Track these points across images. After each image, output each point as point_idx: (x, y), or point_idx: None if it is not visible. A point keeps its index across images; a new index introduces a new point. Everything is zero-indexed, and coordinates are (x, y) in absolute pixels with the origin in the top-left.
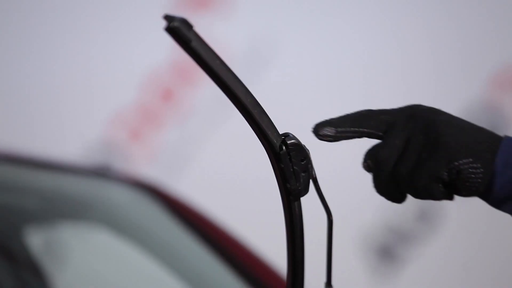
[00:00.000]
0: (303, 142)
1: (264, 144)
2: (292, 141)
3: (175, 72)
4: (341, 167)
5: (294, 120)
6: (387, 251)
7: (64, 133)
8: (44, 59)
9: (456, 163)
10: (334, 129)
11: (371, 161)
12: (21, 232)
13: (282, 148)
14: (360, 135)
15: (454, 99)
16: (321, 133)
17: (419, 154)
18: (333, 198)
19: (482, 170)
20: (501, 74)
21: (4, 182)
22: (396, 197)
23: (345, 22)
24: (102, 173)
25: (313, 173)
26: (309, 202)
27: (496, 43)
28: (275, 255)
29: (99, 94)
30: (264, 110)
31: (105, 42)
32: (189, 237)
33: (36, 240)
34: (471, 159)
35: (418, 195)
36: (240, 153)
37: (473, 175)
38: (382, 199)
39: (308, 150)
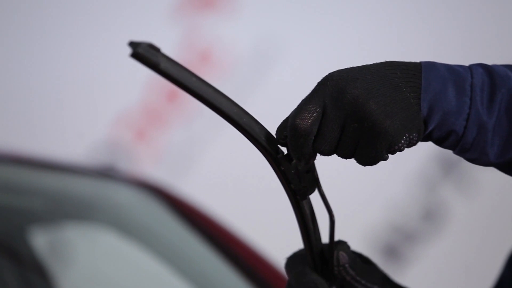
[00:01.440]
0: None
1: (260, 151)
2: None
3: None
4: (344, 167)
5: None
6: (392, 251)
7: (69, 134)
8: (49, 60)
9: (396, 147)
10: (306, 165)
11: (293, 138)
12: (26, 233)
13: (279, 152)
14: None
15: None
16: (306, 170)
17: (358, 141)
18: (337, 197)
19: (417, 136)
20: None
21: (9, 183)
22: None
23: (350, 22)
24: (107, 173)
25: (315, 174)
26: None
27: (498, 41)
28: (280, 255)
29: (104, 95)
30: (253, 118)
31: (110, 43)
32: (193, 237)
33: (41, 240)
34: (407, 134)
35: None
36: (245, 153)
37: (411, 143)
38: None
39: None
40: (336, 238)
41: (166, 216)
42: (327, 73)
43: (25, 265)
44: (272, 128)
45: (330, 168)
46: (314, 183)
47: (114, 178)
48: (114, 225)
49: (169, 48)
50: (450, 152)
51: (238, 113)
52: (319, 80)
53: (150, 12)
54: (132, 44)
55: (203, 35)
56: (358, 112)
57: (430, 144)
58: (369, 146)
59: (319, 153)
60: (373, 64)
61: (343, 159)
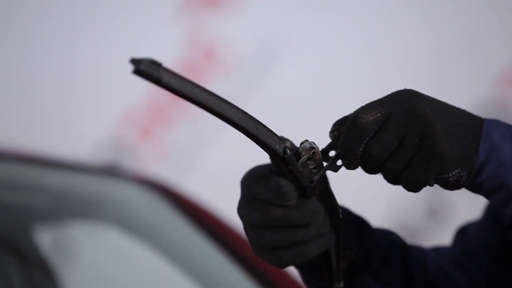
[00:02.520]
0: (313, 139)
1: (268, 152)
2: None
3: (185, 71)
4: None
5: (303, 117)
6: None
7: (73, 132)
8: (53, 58)
9: (446, 175)
10: (358, 161)
11: (345, 133)
12: (31, 231)
13: (287, 152)
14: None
15: (463, 96)
16: (352, 169)
17: (412, 157)
18: (341, 195)
19: (467, 176)
20: (511, 71)
21: (14, 181)
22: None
23: (354, 21)
24: (111, 171)
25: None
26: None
27: (506, 40)
28: None
29: (109, 93)
30: (258, 121)
31: (115, 40)
32: (198, 235)
33: (45, 238)
34: (459, 169)
35: (396, 183)
36: (250, 151)
37: (459, 182)
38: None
39: (317, 148)
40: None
41: (170, 214)
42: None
43: (29, 263)
44: (277, 126)
45: None
46: (323, 178)
47: (119, 176)
48: (118, 223)
49: (173, 46)
50: None
51: (243, 119)
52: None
53: (155, 10)
54: (134, 61)
55: (207, 33)
56: (424, 128)
57: None
58: (422, 165)
59: (368, 156)
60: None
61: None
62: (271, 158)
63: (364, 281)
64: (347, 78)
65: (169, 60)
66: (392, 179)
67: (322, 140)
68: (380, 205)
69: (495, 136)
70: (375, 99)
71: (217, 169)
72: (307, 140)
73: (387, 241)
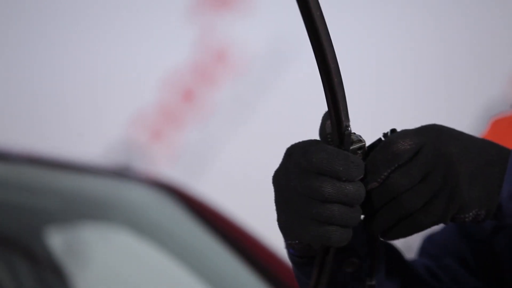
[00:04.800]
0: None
1: (332, 118)
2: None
3: (196, 73)
4: None
5: (314, 118)
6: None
7: (85, 134)
8: (66, 60)
9: (463, 216)
10: (376, 183)
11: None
12: (43, 233)
13: (347, 129)
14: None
15: (473, 97)
16: (368, 190)
17: (433, 196)
18: None
19: (484, 214)
20: None
21: (26, 183)
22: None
23: (364, 21)
24: (122, 173)
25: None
26: None
27: (504, 44)
28: None
29: (120, 95)
30: (342, 82)
31: (127, 42)
32: (209, 237)
33: (57, 240)
34: (477, 209)
35: (407, 223)
36: (260, 153)
37: (476, 219)
38: None
39: (364, 141)
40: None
41: (181, 216)
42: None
43: (41, 265)
44: (287, 127)
45: None
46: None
47: (130, 178)
48: (129, 225)
49: (185, 47)
50: None
51: (335, 70)
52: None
53: (166, 12)
54: None
55: (219, 35)
56: (449, 168)
57: None
58: (441, 204)
59: (390, 183)
60: (477, 137)
61: None
62: (327, 128)
63: None
64: (357, 78)
65: (181, 61)
66: (404, 214)
67: None
68: None
69: None
70: (390, 100)
71: (228, 171)
72: (355, 133)
73: (388, 254)
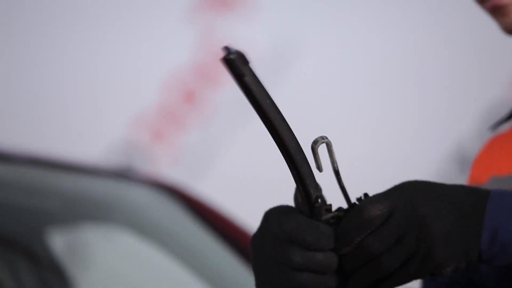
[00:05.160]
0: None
1: (301, 192)
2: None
3: (198, 74)
4: (363, 166)
5: (316, 120)
6: None
7: (86, 134)
8: (66, 60)
9: (441, 271)
10: (349, 248)
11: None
12: (44, 234)
13: (318, 201)
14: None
15: (474, 99)
16: (341, 254)
17: (408, 257)
18: (354, 192)
19: (465, 265)
20: None
21: (27, 184)
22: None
23: (367, 23)
24: (124, 174)
25: (336, 165)
26: (331, 196)
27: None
28: None
29: (121, 95)
30: (305, 158)
31: (128, 43)
32: (211, 238)
33: (59, 241)
34: (455, 264)
35: (385, 283)
36: (262, 154)
37: (456, 271)
38: None
39: (343, 211)
40: None
41: (183, 217)
42: (406, 180)
43: (43, 266)
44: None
45: (347, 162)
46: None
47: (132, 179)
48: (131, 226)
49: (186, 49)
50: (467, 150)
51: (295, 149)
52: (396, 185)
53: (167, 13)
54: (226, 49)
55: (220, 36)
56: (421, 230)
57: (447, 142)
58: (416, 264)
59: (363, 248)
60: (452, 186)
61: (364, 153)
62: (300, 200)
63: None
64: (360, 80)
65: (182, 62)
66: (381, 275)
67: (335, 143)
68: None
69: (499, 216)
70: (391, 103)
71: (230, 173)
72: (326, 203)
73: None
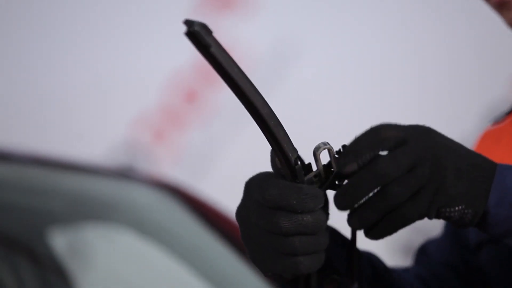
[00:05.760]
0: (328, 140)
1: (279, 157)
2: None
3: (199, 74)
4: None
5: (319, 119)
6: (411, 251)
7: (88, 135)
8: (68, 60)
9: (448, 210)
10: (356, 164)
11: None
12: (46, 234)
13: (297, 162)
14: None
15: (475, 98)
16: (345, 171)
17: (419, 188)
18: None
19: (472, 214)
20: None
21: (29, 184)
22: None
23: (368, 22)
24: (126, 174)
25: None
26: (330, 196)
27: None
28: None
29: (123, 95)
30: (280, 122)
31: (129, 43)
32: (213, 237)
33: (60, 241)
34: (463, 206)
35: (392, 216)
36: (264, 154)
37: (463, 219)
38: None
39: (321, 166)
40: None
41: (185, 217)
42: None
43: (44, 265)
44: (292, 128)
45: None
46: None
47: (133, 178)
48: (133, 225)
49: (187, 48)
50: None
51: (268, 114)
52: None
53: (169, 13)
54: (188, 22)
55: (222, 36)
56: (436, 162)
57: None
58: (427, 196)
59: (374, 166)
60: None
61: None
62: (278, 163)
63: None
64: (362, 80)
65: (184, 62)
66: (391, 206)
67: (335, 143)
68: None
69: (509, 179)
70: (392, 101)
71: (231, 172)
72: (305, 163)
73: (370, 265)
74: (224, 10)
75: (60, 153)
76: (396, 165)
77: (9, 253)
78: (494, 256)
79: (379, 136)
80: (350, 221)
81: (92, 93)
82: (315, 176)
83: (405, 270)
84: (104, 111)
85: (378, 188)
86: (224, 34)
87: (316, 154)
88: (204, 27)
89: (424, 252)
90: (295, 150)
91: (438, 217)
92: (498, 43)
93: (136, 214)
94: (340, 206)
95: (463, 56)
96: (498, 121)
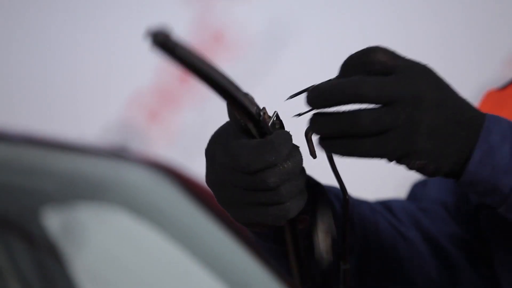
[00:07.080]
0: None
1: (242, 115)
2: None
3: None
4: None
5: None
6: None
7: (81, 115)
8: (62, 41)
9: (407, 161)
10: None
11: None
12: (39, 214)
13: (260, 114)
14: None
15: (470, 80)
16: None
17: (388, 129)
18: (349, 177)
19: (433, 169)
20: None
21: (22, 164)
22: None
23: (365, 4)
24: (119, 154)
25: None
26: (324, 180)
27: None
28: None
29: (117, 76)
30: (228, 78)
31: (124, 23)
32: (206, 218)
33: (53, 221)
34: (426, 162)
35: (352, 143)
36: None
37: (422, 170)
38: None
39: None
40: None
41: (178, 197)
42: (345, 56)
43: (37, 246)
44: (286, 109)
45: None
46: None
47: (127, 158)
48: (126, 205)
49: (182, 29)
50: None
51: (221, 75)
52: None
53: None
54: (152, 34)
55: (216, 16)
56: (414, 111)
57: None
58: (394, 140)
59: (356, 87)
60: (460, 95)
61: None
62: (238, 117)
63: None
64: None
65: None
66: (355, 132)
67: None
68: (389, 188)
69: (493, 137)
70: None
71: None
72: (262, 109)
73: (337, 198)
74: None
75: (53, 133)
76: (376, 90)
77: (3, 233)
78: (491, 219)
79: (369, 57)
80: (311, 122)
81: (86, 73)
82: (276, 117)
83: (384, 205)
84: (98, 91)
85: (351, 108)
86: (218, 15)
87: (308, 134)
88: (166, 34)
89: (424, 186)
90: (252, 102)
91: (397, 162)
92: (492, 23)
93: (130, 194)
94: (310, 101)
95: (458, 36)
96: (502, 88)
